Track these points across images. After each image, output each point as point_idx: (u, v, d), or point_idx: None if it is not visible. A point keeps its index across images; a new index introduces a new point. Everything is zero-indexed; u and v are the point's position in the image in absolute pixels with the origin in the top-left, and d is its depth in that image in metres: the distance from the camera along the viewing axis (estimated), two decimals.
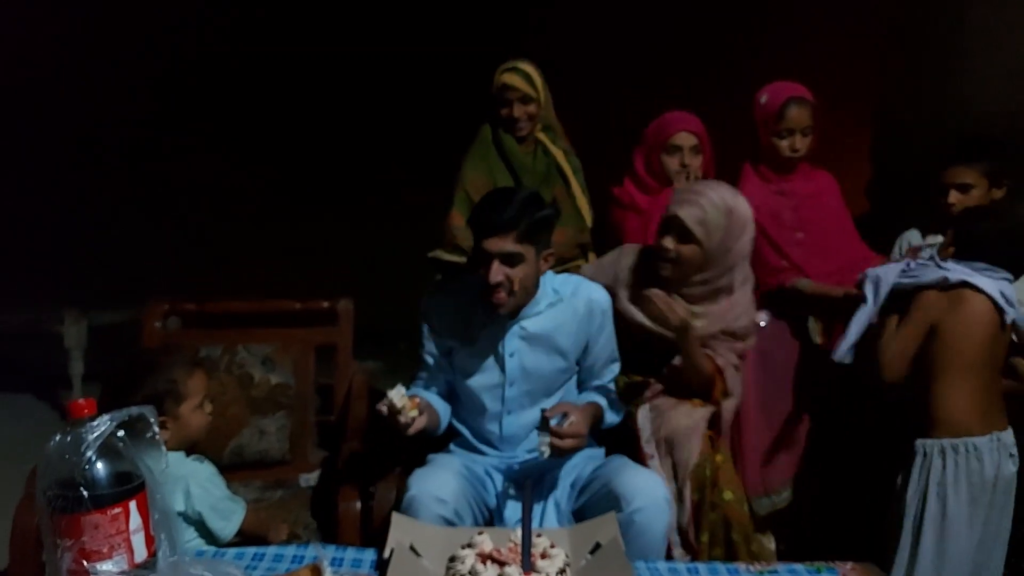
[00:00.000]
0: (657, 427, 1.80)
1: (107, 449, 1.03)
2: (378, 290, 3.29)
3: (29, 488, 1.56)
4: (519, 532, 1.28)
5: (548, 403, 1.72)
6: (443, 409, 1.76)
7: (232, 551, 1.36)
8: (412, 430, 1.53)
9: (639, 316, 1.85)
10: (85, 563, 1.01)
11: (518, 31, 3.94)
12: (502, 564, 1.23)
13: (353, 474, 1.80)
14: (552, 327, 1.70)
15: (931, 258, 1.76)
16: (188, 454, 1.58)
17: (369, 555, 1.34)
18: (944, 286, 1.69)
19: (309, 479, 2.00)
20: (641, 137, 2.23)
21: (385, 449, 1.78)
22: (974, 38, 2.69)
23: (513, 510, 1.63)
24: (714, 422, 1.84)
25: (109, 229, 4.48)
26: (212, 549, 1.48)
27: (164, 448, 1.15)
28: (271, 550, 1.35)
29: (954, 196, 2.05)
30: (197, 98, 4.78)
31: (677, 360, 1.83)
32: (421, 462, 1.71)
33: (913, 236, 2.20)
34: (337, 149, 4.84)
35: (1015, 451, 1.68)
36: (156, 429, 1.10)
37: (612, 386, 1.84)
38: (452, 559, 1.28)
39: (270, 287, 2.37)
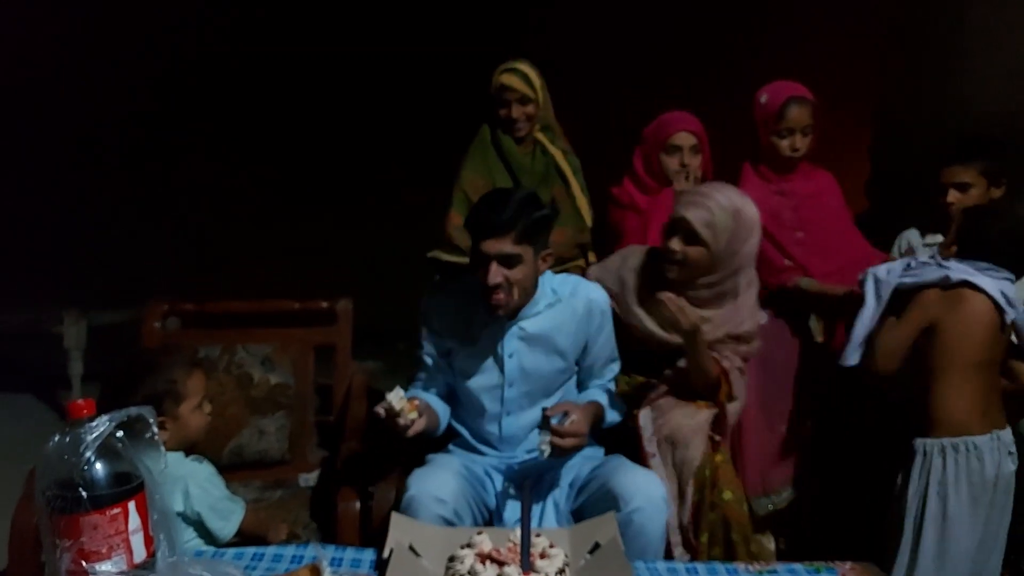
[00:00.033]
0: (659, 426, 1.80)
1: (106, 449, 1.03)
2: (378, 290, 3.29)
3: (28, 488, 1.56)
4: (518, 532, 1.28)
5: (547, 403, 1.72)
6: (442, 410, 1.76)
7: (231, 551, 1.36)
8: (411, 432, 1.53)
9: (646, 320, 1.85)
10: (84, 563, 1.01)
11: (518, 31, 3.94)
12: (501, 564, 1.23)
13: (352, 474, 1.80)
14: (551, 327, 1.70)
15: (932, 257, 1.76)
16: (187, 454, 1.58)
17: (368, 555, 1.34)
18: (945, 285, 1.69)
19: (308, 479, 2.00)
20: (640, 137, 2.23)
21: (384, 449, 1.78)
22: (974, 38, 2.69)
23: (512, 510, 1.63)
24: (716, 424, 1.84)
25: (109, 229, 4.48)
26: (211, 549, 1.48)
27: (163, 448, 1.14)
28: (270, 550, 1.35)
29: (953, 195, 2.05)
30: (197, 98, 4.78)
31: (682, 362, 1.83)
32: (420, 462, 1.71)
33: (912, 235, 2.20)
34: (337, 149, 4.84)
35: (1014, 449, 1.68)
36: (155, 429, 1.10)
37: (612, 385, 1.84)
38: (451, 559, 1.28)
39: (270, 287, 2.36)
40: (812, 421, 1.99)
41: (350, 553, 1.35)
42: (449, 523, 1.52)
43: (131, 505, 1.05)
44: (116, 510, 1.03)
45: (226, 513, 1.54)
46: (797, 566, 1.34)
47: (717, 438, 1.81)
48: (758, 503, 1.86)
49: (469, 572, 1.23)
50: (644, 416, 1.81)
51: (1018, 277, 1.73)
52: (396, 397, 1.49)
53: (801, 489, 1.91)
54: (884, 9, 3.10)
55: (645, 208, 2.17)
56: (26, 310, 3.60)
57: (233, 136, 4.75)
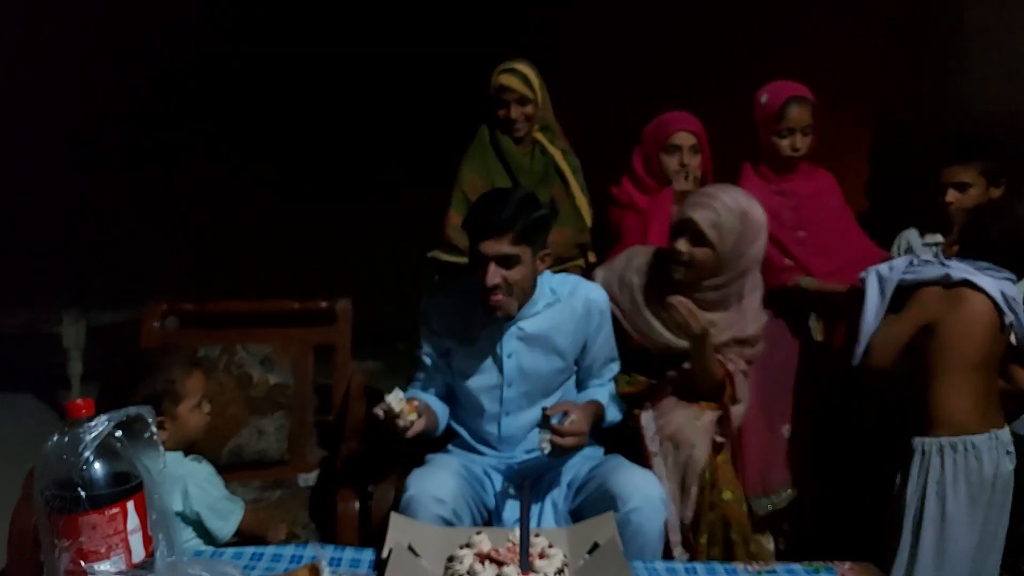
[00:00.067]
0: (661, 426, 1.80)
1: (105, 449, 1.03)
2: (377, 290, 3.29)
3: (27, 488, 1.56)
4: (517, 532, 1.28)
5: (546, 403, 1.72)
6: (441, 410, 1.76)
7: (230, 551, 1.36)
8: (411, 433, 1.53)
9: (653, 321, 1.85)
10: (83, 563, 1.01)
11: (518, 31, 3.94)
12: (500, 564, 1.23)
13: (351, 474, 1.80)
14: (550, 327, 1.70)
15: (936, 256, 1.76)
16: (186, 454, 1.58)
17: (367, 555, 1.34)
18: (946, 283, 1.69)
19: (308, 479, 2.00)
20: (640, 137, 2.23)
21: (383, 449, 1.78)
22: (974, 38, 2.69)
23: (511, 510, 1.63)
24: (720, 426, 1.85)
25: (109, 229, 4.48)
26: (210, 549, 1.48)
27: (162, 448, 1.14)
28: (269, 550, 1.35)
29: (952, 195, 2.05)
30: (197, 98, 4.78)
31: (686, 364, 1.83)
32: (419, 462, 1.71)
33: (912, 235, 2.20)
34: (337, 149, 4.84)
35: (1012, 448, 1.68)
36: (154, 429, 1.10)
37: (612, 385, 1.84)
38: (450, 559, 1.28)
39: (270, 287, 2.36)
40: (812, 421, 1.98)
41: (349, 553, 1.35)
42: (448, 523, 1.52)
43: (130, 505, 1.05)
44: (115, 510, 1.03)
45: (225, 513, 1.54)
46: (796, 566, 1.34)
47: (721, 440, 1.81)
48: (758, 503, 1.85)
49: (468, 572, 1.23)
50: (646, 416, 1.81)
51: (1019, 277, 1.73)
52: (395, 399, 1.49)
53: (801, 489, 1.90)
54: (884, 9, 3.10)
55: (644, 208, 2.16)
56: (26, 310, 3.61)
57: (233, 136, 4.75)
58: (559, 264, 2.10)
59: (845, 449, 1.96)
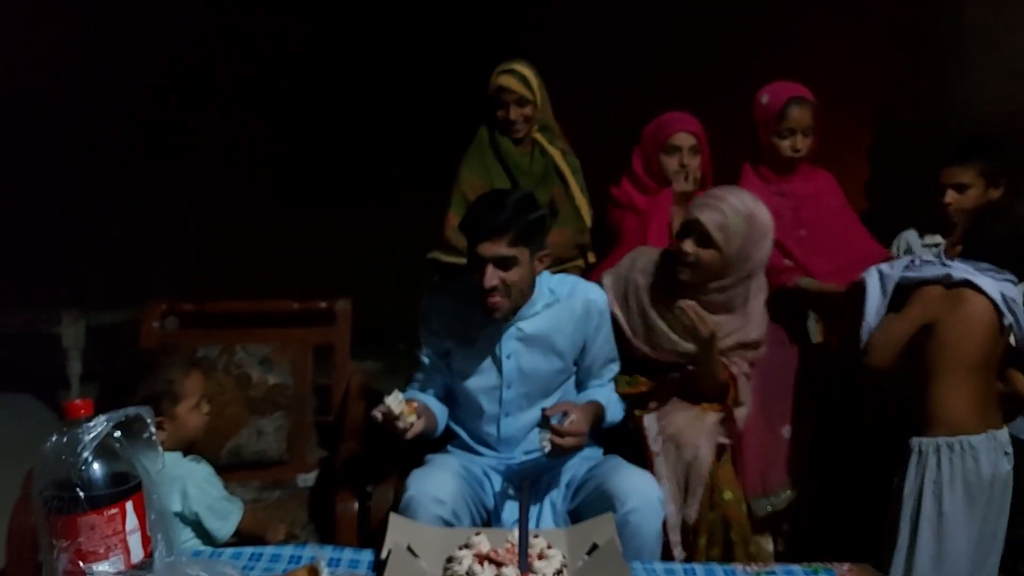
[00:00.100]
0: (663, 426, 1.81)
1: (103, 450, 1.03)
2: (377, 290, 3.29)
3: (26, 488, 1.56)
4: (516, 533, 1.28)
5: (546, 404, 1.71)
6: (440, 411, 1.76)
7: (229, 551, 1.36)
8: (410, 434, 1.53)
9: (659, 322, 1.85)
10: (81, 564, 1.01)
11: (518, 31, 3.94)
12: (499, 565, 1.23)
13: (351, 474, 1.80)
14: (549, 328, 1.70)
15: (938, 256, 1.76)
16: (185, 454, 1.58)
17: (366, 556, 1.34)
18: (947, 283, 1.69)
19: (307, 479, 2.00)
20: (639, 137, 2.23)
21: (382, 450, 1.78)
22: (974, 38, 2.69)
23: (510, 511, 1.63)
24: (723, 428, 1.85)
25: (109, 229, 4.48)
26: (209, 549, 1.47)
27: (161, 448, 1.14)
28: (268, 550, 1.34)
29: (951, 196, 2.05)
30: (197, 98, 4.78)
31: (689, 366, 1.84)
32: (419, 462, 1.70)
33: (911, 236, 2.20)
34: (337, 149, 4.84)
35: (1010, 449, 1.68)
36: (153, 430, 1.10)
37: (612, 385, 1.84)
38: (449, 560, 1.28)
39: (270, 287, 2.36)
40: (812, 422, 1.98)
41: (348, 554, 1.34)
42: (448, 524, 1.52)
43: (128, 505, 1.04)
44: (113, 510, 1.03)
45: (224, 513, 1.54)
46: (795, 567, 1.34)
47: (727, 442, 1.82)
48: (757, 504, 1.85)
49: (467, 573, 1.22)
50: (649, 417, 1.82)
51: (1021, 279, 1.72)
52: (395, 401, 1.49)
53: (801, 490, 1.90)
54: (884, 9, 3.10)
55: (644, 208, 2.16)
56: (25, 310, 3.61)
57: (233, 136, 4.75)
58: (558, 264, 2.10)
59: (844, 450, 1.96)
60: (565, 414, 1.57)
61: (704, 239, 1.75)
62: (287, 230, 4.52)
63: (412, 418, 1.52)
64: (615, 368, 1.84)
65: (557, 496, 1.68)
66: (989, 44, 2.64)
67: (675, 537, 1.73)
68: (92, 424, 1.02)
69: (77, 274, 4.08)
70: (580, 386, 1.82)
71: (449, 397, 1.80)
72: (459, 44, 4.20)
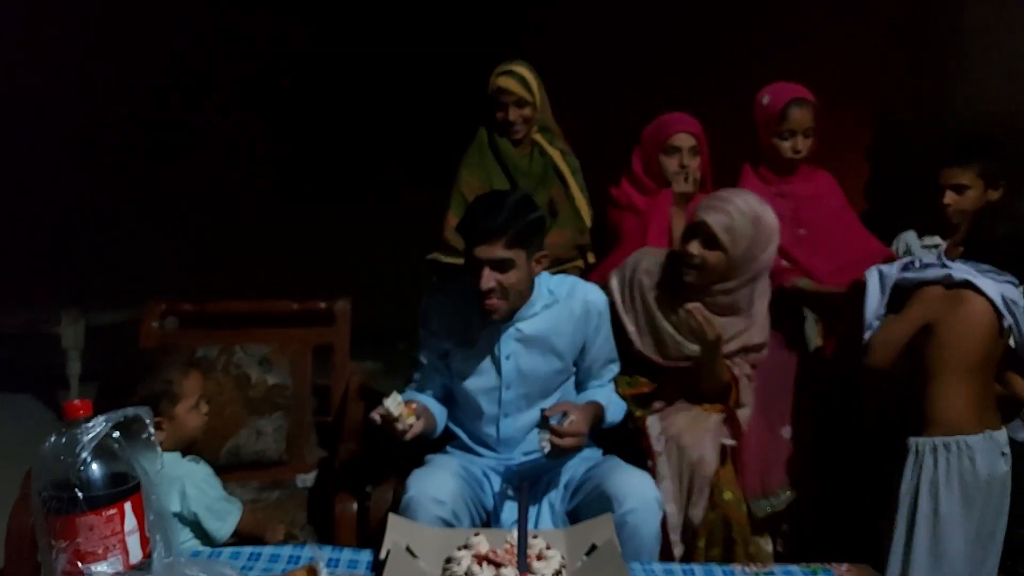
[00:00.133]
0: (666, 426, 1.82)
1: (102, 450, 1.03)
2: (377, 290, 3.29)
3: (25, 489, 1.56)
4: (515, 533, 1.28)
5: (545, 405, 1.71)
6: (439, 412, 1.76)
7: (227, 551, 1.36)
8: (409, 435, 1.53)
9: (664, 323, 1.85)
10: (80, 564, 1.01)
11: (518, 31, 3.94)
12: (498, 565, 1.23)
13: (350, 475, 1.80)
14: (548, 328, 1.69)
15: (939, 257, 1.76)
16: (184, 455, 1.58)
17: (365, 556, 1.34)
18: (947, 284, 1.69)
19: (306, 480, 2.00)
20: (639, 138, 2.23)
21: (382, 450, 1.77)
22: (974, 38, 2.69)
23: (510, 511, 1.63)
24: (727, 428, 1.85)
25: (109, 229, 4.48)
26: (208, 550, 1.47)
27: (159, 449, 1.14)
28: (267, 550, 1.34)
29: (950, 197, 2.05)
30: (197, 98, 4.78)
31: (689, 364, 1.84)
32: (418, 463, 1.70)
33: (910, 237, 2.20)
34: (337, 149, 4.84)
35: (1008, 450, 1.68)
36: (151, 430, 1.10)
37: (612, 386, 1.83)
38: (448, 560, 1.27)
39: (270, 287, 2.36)
40: (811, 423, 1.99)
41: (347, 554, 1.34)
42: (448, 524, 1.52)
43: (127, 506, 1.04)
44: (112, 511, 1.02)
45: (223, 514, 1.54)
46: (794, 568, 1.34)
47: (732, 443, 1.82)
48: (757, 505, 1.85)
49: (466, 573, 1.22)
50: (651, 417, 1.82)
51: (1022, 280, 1.73)
52: (393, 403, 1.48)
53: (800, 491, 1.90)
54: (884, 9, 3.10)
55: (644, 209, 2.16)
56: (25, 310, 3.61)
57: (233, 136, 4.75)
58: (558, 265, 2.10)
59: (844, 451, 1.96)
60: (564, 414, 1.57)
61: (710, 241, 1.76)
62: (287, 230, 4.51)
63: (411, 420, 1.52)
64: (615, 369, 1.84)
65: (556, 497, 1.67)
66: (989, 44, 2.64)
67: (675, 537, 1.73)
68: (91, 424, 1.02)
69: (77, 274, 4.08)
70: (580, 387, 1.81)
71: (448, 398, 1.80)
72: (459, 44, 4.20)
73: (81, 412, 1.03)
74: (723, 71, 3.45)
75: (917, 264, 1.76)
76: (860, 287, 1.83)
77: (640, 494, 1.53)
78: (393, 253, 3.39)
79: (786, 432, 1.96)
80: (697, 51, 3.77)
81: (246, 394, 2.00)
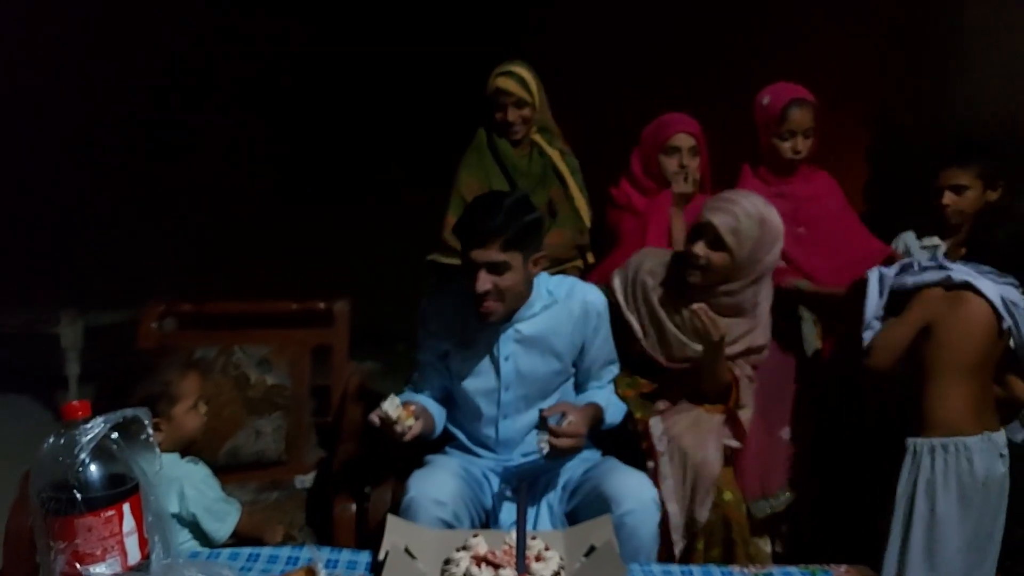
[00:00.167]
0: (668, 426, 1.82)
1: (101, 451, 1.03)
2: (377, 291, 3.29)
3: (23, 490, 1.56)
4: (514, 535, 1.28)
5: (544, 406, 1.71)
6: (438, 413, 1.76)
7: (226, 552, 1.36)
8: (408, 437, 1.53)
9: (667, 323, 1.86)
10: (78, 565, 1.01)
11: (518, 31, 3.94)
12: (497, 567, 1.23)
13: (349, 476, 1.80)
14: (547, 329, 1.69)
15: (933, 258, 1.76)
16: (183, 455, 1.58)
17: (364, 557, 1.34)
18: (947, 285, 1.69)
19: (305, 481, 1.99)
20: (639, 138, 2.23)
21: (381, 451, 1.77)
22: (974, 38, 2.69)
23: (508, 512, 1.63)
24: (729, 429, 1.86)
25: (109, 229, 4.48)
26: (206, 551, 1.47)
27: (158, 450, 1.14)
28: (266, 551, 1.34)
29: (948, 197, 2.05)
30: (197, 98, 4.78)
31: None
32: (417, 464, 1.70)
33: (909, 238, 2.20)
34: (337, 149, 4.84)
35: (1006, 451, 1.68)
36: (150, 431, 1.10)
37: (611, 387, 1.83)
38: (447, 562, 1.28)
39: (269, 287, 2.36)
40: (810, 424, 1.99)
41: (346, 555, 1.34)
42: (448, 525, 1.52)
43: (126, 507, 1.05)
44: (111, 512, 1.03)
45: (221, 515, 1.54)
46: (792, 569, 1.34)
47: (737, 445, 1.82)
48: (756, 506, 1.85)
49: (465, 575, 1.22)
50: (654, 418, 1.82)
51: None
52: (391, 405, 1.48)
53: (800, 492, 1.90)
54: (884, 9, 3.09)
55: (643, 210, 2.16)
56: (25, 310, 3.60)
57: (233, 136, 4.74)
58: (557, 265, 2.10)
59: (843, 452, 1.96)
60: (563, 415, 1.57)
61: (716, 242, 1.76)
62: (287, 230, 4.51)
63: (410, 421, 1.51)
64: (614, 370, 1.83)
65: (554, 498, 1.67)
66: (989, 44, 2.64)
67: (677, 536, 1.73)
68: (89, 426, 1.03)
69: (77, 274, 4.08)
70: (579, 388, 1.81)
71: (447, 399, 1.80)
72: (459, 44, 4.20)
73: (80, 413, 1.04)
74: (723, 71, 3.45)
75: (916, 267, 1.76)
76: (860, 286, 1.83)
77: (638, 495, 1.53)
78: (393, 253, 3.39)
79: (785, 433, 1.96)
80: (697, 51, 3.77)
81: (245, 395, 2.00)
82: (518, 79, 2.10)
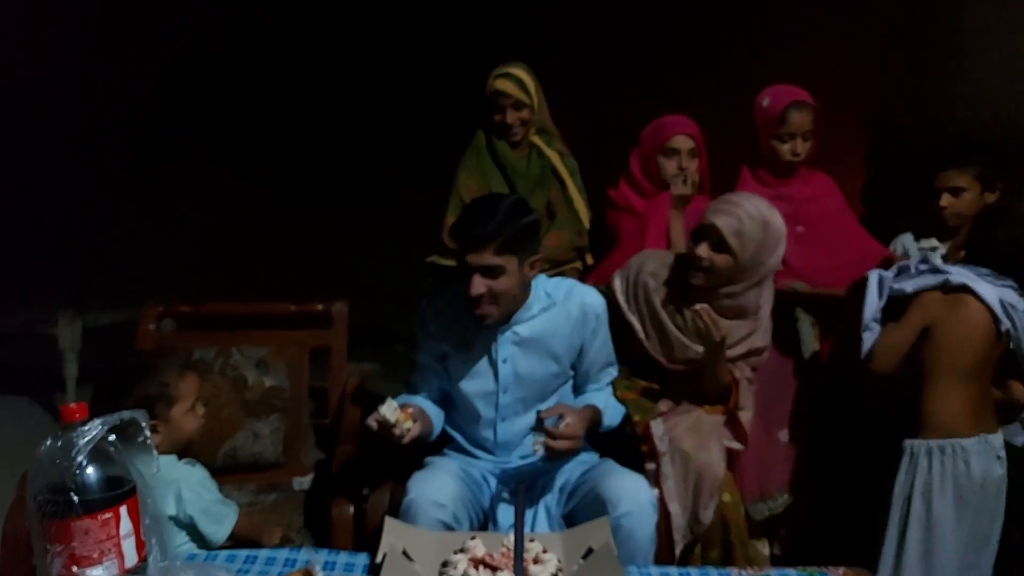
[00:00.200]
0: (669, 427, 1.82)
1: (98, 454, 1.03)
2: (377, 291, 3.28)
3: (20, 492, 1.56)
4: (512, 537, 1.28)
5: (542, 409, 1.71)
6: (436, 414, 1.76)
7: (223, 554, 1.35)
8: (407, 439, 1.53)
9: (669, 325, 1.86)
10: (75, 568, 1.01)
11: (518, 31, 3.93)
12: (494, 569, 1.23)
13: (347, 478, 1.80)
14: (545, 331, 1.69)
15: (925, 261, 1.76)
16: (181, 457, 1.58)
17: (362, 560, 1.33)
18: (945, 288, 1.69)
19: (302, 482, 1.99)
20: (638, 139, 2.22)
21: (379, 453, 1.77)
22: (974, 38, 2.69)
23: (507, 514, 1.62)
24: (730, 431, 1.86)
25: (108, 229, 4.48)
26: (203, 553, 1.47)
27: (155, 452, 1.14)
28: (263, 553, 1.34)
29: (946, 199, 2.05)
30: (197, 98, 4.78)
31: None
32: (415, 465, 1.70)
33: (907, 240, 2.20)
34: (337, 149, 4.84)
35: (1003, 453, 1.68)
36: (147, 433, 1.10)
37: (610, 389, 1.83)
38: (445, 564, 1.27)
39: (269, 288, 2.36)
40: (809, 426, 1.98)
41: (343, 557, 1.34)
42: (448, 527, 1.51)
43: (123, 510, 1.05)
44: (108, 515, 1.03)
45: (219, 517, 1.54)
46: (790, 571, 1.34)
47: (739, 447, 1.82)
48: (755, 508, 1.85)
49: None
50: (655, 420, 1.82)
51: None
52: (389, 409, 1.48)
53: (798, 494, 1.90)
54: (884, 9, 3.09)
55: (642, 212, 2.16)
56: (24, 311, 3.60)
57: (233, 136, 4.74)
58: (556, 267, 2.10)
59: (842, 454, 1.96)
60: (560, 417, 1.57)
61: (719, 244, 1.77)
62: (287, 230, 4.51)
63: (408, 424, 1.51)
64: (613, 372, 1.83)
65: (551, 500, 1.67)
66: (989, 44, 2.64)
67: (678, 537, 1.73)
68: (87, 428, 1.03)
69: (76, 274, 4.08)
70: (578, 390, 1.81)
71: (445, 400, 1.79)
72: (459, 44, 4.20)
73: (77, 415, 1.04)
74: (723, 72, 3.45)
75: (912, 270, 1.76)
76: (859, 287, 1.83)
77: (635, 497, 1.53)
78: (393, 254, 3.38)
79: (784, 435, 1.96)
80: (697, 52, 3.77)
81: (243, 396, 2.00)
82: (516, 81, 2.10)
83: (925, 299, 1.72)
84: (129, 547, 1.05)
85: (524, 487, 1.53)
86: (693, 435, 1.81)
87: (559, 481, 1.69)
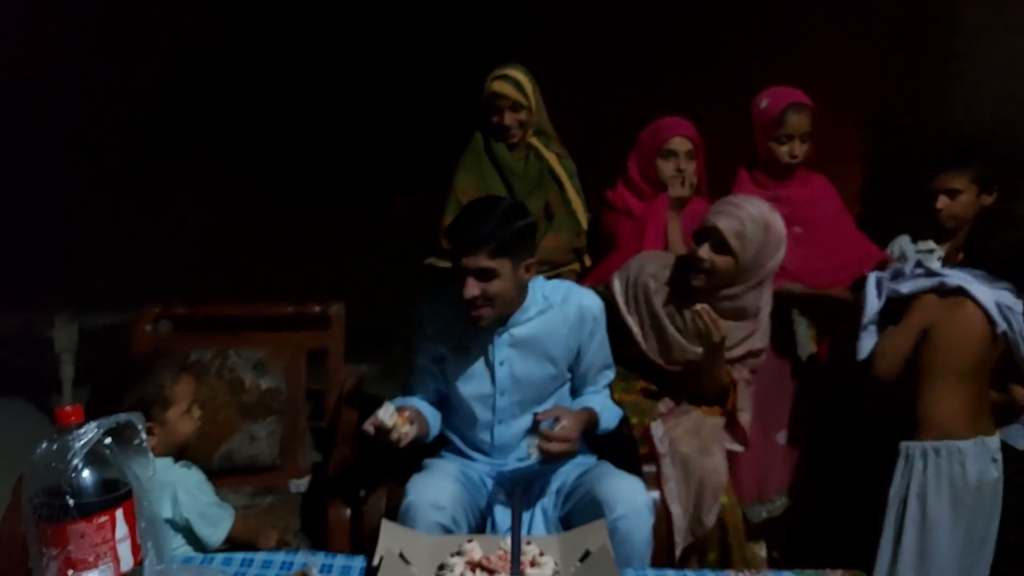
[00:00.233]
0: (669, 428, 1.82)
1: (94, 456, 1.02)
2: (375, 293, 3.28)
3: (16, 495, 1.56)
4: (509, 540, 1.28)
5: (539, 411, 1.70)
6: (433, 417, 1.75)
7: (220, 557, 1.35)
8: (404, 442, 1.53)
9: (669, 326, 1.86)
10: (71, 572, 1.01)
11: (518, 31, 3.93)
12: (491, 572, 1.23)
13: (343, 480, 1.79)
14: (542, 333, 1.69)
15: (919, 264, 1.76)
16: (177, 460, 1.57)
17: (358, 562, 1.33)
18: (942, 291, 1.69)
19: (299, 485, 1.99)
20: (636, 140, 2.22)
21: (376, 456, 1.77)
22: (974, 38, 2.68)
23: (505, 516, 1.62)
24: (730, 433, 1.86)
25: (108, 229, 4.48)
26: (199, 555, 1.47)
27: (151, 454, 1.14)
28: (259, 556, 1.34)
29: (942, 201, 2.05)
30: (197, 98, 4.77)
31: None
32: (412, 467, 1.70)
33: (904, 242, 2.20)
34: (336, 150, 4.83)
35: (999, 456, 1.68)
36: (143, 436, 1.10)
37: (607, 392, 1.83)
38: (441, 567, 1.27)
39: (269, 288, 2.36)
40: (807, 428, 1.98)
41: (340, 560, 1.34)
42: (447, 530, 1.51)
43: (119, 513, 1.04)
44: (103, 518, 1.02)
45: (215, 520, 1.54)
46: (788, 574, 1.33)
47: (739, 449, 1.82)
48: (753, 511, 1.85)
49: None
50: (655, 423, 1.83)
51: (1021, 286, 1.72)
52: (386, 413, 1.48)
53: (796, 497, 1.90)
54: (884, 9, 3.09)
55: (640, 214, 2.16)
56: (21, 312, 3.60)
57: (233, 136, 4.74)
58: (554, 269, 2.10)
59: (840, 456, 1.96)
60: (557, 419, 1.57)
61: (720, 246, 1.77)
62: (287, 231, 4.51)
63: (405, 427, 1.51)
64: (610, 375, 1.83)
65: (548, 502, 1.67)
66: (989, 44, 2.63)
67: (679, 539, 1.73)
68: (83, 431, 1.02)
69: (75, 275, 4.07)
70: (575, 393, 1.80)
71: (443, 402, 1.79)
72: (459, 44, 4.19)
73: (73, 418, 1.03)
74: (722, 72, 3.44)
75: (907, 272, 1.76)
76: (859, 286, 1.83)
77: (631, 500, 1.52)
78: (392, 255, 3.38)
79: (782, 437, 1.96)
80: (696, 52, 3.76)
81: (239, 399, 2.00)
82: (514, 83, 2.09)
83: (923, 301, 1.72)
84: (125, 550, 1.05)
85: (521, 490, 1.52)
86: (693, 438, 1.81)
87: (556, 484, 1.69)
